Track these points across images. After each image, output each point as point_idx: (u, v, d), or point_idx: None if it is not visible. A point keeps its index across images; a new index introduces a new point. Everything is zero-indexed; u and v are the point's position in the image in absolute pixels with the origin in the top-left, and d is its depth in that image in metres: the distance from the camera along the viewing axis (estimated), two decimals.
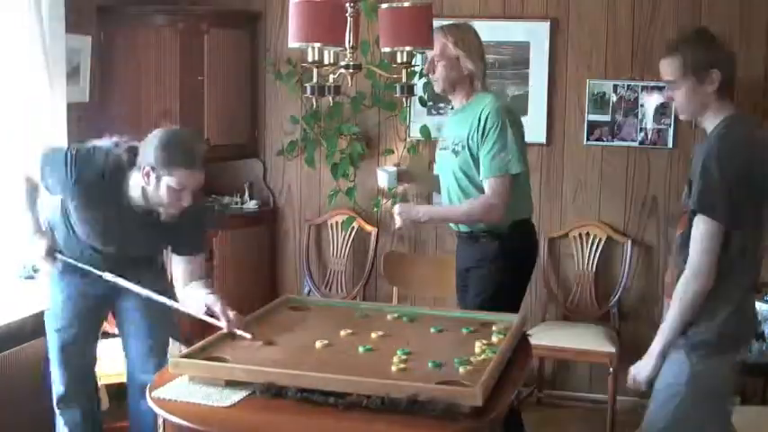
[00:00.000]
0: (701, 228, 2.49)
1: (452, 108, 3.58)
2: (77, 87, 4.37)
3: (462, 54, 3.39)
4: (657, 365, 2.61)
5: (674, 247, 2.77)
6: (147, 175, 2.88)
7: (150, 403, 2.40)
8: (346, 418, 2.28)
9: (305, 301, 3.38)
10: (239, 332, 2.80)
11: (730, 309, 2.54)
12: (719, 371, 2.58)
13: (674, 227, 4.30)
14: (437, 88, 3.52)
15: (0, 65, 3.81)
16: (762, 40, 4.45)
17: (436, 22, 3.10)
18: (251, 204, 5.07)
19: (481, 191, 3.34)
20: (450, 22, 3.59)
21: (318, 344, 2.76)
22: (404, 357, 2.63)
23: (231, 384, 2.44)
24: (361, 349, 2.72)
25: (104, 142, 3.08)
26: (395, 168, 3.59)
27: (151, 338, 3.29)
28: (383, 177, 3.54)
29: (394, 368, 2.54)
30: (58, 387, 3.27)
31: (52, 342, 3.27)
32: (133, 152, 2.96)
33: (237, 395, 2.38)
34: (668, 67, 2.62)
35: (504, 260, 3.37)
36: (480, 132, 3.30)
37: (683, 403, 2.57)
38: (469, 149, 3.33)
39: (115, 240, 3.12)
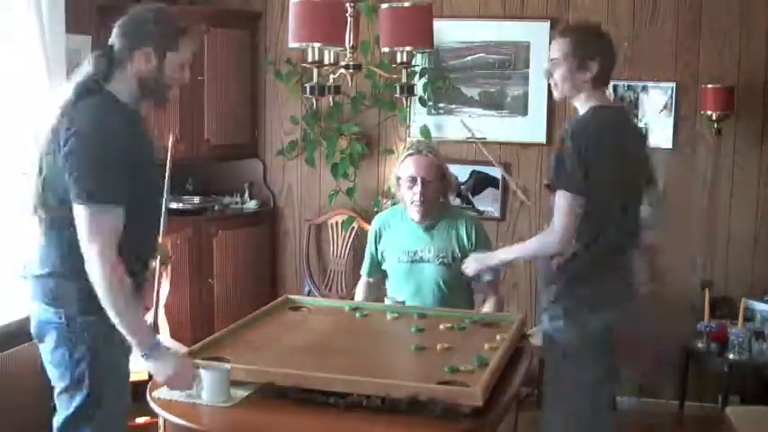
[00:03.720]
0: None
1: (407, 218, 3.44)
2: None
3: (447, 170, 3.46)
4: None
5: None
6: (147, 58, 2.41)
7: (150, 403, 2.40)
8: (346, 418, 2.28)
9: (305, 302, 3.38)
10: None
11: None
12: None
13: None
14: (423, 211, 3.36)
15: (0, 65, 3.81)
16: (762, 40, 4.45)
17: (436, 23, 3.10)
18: (251, 204, 5.07)
19: (469, 291, 3.50)
20: (416, 140, 3.67)
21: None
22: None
23: (231, 384, 2.44)
24: None
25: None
26: (403, 298, 3.40)
27: None
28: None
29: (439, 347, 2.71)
30: None
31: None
32: (106, 55, 2.43)
33: (237, 395, 2.38)
34: (556, 47, 2.81)
35: None
36: (473, 244, 3.38)
37: None
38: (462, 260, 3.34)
39: (157, 185, 2.77)
